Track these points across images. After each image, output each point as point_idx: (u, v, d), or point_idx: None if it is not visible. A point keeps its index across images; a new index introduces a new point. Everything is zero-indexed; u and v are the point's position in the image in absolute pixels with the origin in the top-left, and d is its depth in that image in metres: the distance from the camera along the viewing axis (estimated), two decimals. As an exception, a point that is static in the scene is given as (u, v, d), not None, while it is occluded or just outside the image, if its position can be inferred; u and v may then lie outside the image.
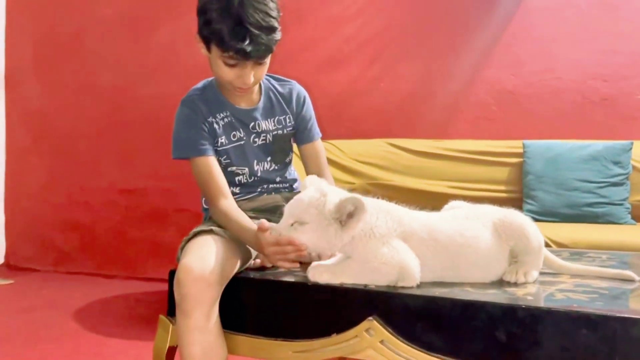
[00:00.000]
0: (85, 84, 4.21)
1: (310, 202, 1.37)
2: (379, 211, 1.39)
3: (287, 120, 1.80)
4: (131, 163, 4.13)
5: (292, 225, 1.37)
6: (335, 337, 1.33)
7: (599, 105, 3.16)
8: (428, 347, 1.24)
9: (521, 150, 3.01)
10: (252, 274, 1.53)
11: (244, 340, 1.46)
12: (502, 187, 3.04)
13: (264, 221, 1.43)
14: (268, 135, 1.76)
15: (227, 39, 1.51)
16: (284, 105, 1.79)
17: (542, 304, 1.20)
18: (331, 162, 3.18)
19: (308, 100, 1.84)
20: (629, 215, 2.76)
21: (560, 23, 3.24)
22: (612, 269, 1.48)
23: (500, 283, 1.39)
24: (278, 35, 1.57)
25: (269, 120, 1.77)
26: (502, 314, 1.19)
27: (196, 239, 1.52)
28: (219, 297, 1.43)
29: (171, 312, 1.55)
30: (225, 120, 1.71)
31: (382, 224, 1.37)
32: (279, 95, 1.79)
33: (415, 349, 1.25)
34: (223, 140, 1.70)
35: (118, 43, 4.13)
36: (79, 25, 4.20)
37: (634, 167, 2.84)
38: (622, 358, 1.09)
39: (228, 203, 1.62)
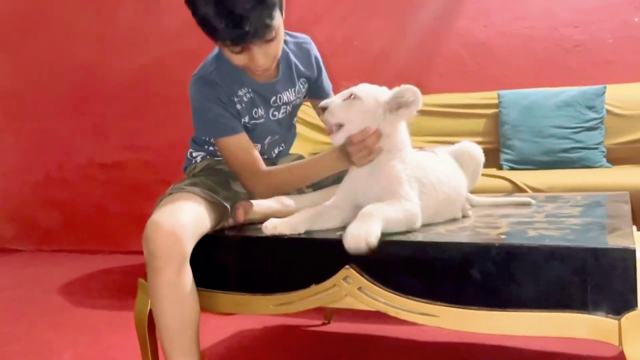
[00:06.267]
0: (55, 59, 4.14)
1: (371, 86, 1.42)
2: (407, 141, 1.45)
3: (303, 86, 1.75)
4: (108, 137, 4.09)
5: (345, 100, 1.39)
6: (314, 288, 1.34)
7: (571, 52, 3.16)
8: (405, 291, 1.25)
9: (496, 101, 3.02)
10: (227, 232, 1.52)
11: (225, 298, 1.46)
12: (479, 139, 3.03)
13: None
14: (288, 107, 1.73)
15: (218, 28, 1.37)
16: (302, 69, 1.72)
17: (515, 241, 1.21)
18: (307, 122, 3.17)
19: (319, 57, 1.78)
20: (605, 159, 2.78)
21: (530, -30, 3.22)
22: (514, 197, 1.72)
23: (473, 226, 1.41)
24: (272, 8, 1.40)
25: (289, 90, 1.71)
26: (477, 253, 1.20)
27: (168, 197, 1.49)
28: (190, 252, 1.39)
29: (150, 274, 1.55)
30: (247, 96, 1.63)
31: (408, 152, 1.44)
32: (297, 61, 1.71)
33: (393, 293, 1.26)
34: (246, 120, 1.65)
35: (85, 16, 4.05)
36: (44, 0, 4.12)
37: (607, 111, 2.85)
38: (593, 287, 1.11)
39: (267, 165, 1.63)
